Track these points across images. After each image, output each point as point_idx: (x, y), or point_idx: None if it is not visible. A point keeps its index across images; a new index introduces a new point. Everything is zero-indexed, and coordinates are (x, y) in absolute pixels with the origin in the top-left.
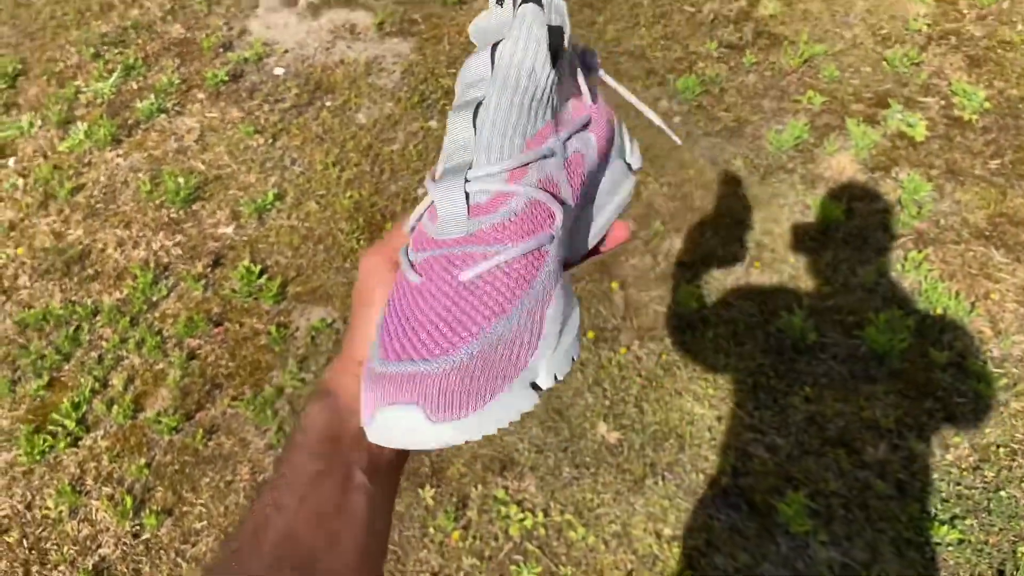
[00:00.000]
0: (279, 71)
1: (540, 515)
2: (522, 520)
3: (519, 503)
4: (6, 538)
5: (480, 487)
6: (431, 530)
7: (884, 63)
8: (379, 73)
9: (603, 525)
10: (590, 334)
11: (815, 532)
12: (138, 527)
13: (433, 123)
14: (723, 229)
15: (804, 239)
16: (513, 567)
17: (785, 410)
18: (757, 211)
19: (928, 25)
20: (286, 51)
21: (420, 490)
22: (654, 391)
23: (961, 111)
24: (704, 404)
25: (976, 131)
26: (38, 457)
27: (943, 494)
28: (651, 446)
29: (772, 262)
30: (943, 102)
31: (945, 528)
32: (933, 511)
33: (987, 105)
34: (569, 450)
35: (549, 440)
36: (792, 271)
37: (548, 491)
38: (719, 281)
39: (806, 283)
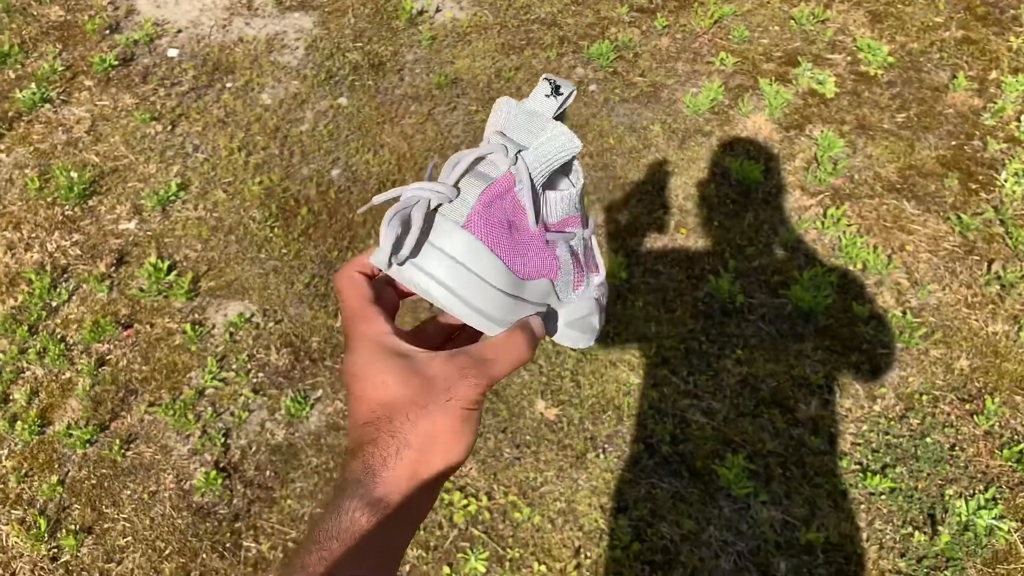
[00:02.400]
0: (173, 52)
1: (484, 499)
2: (466, 506)
3: (461, 489)
4: None
5: None
6: None
7: (792, 22)
8: (281, 50)
9: (548, 503)
10: None
11: (756, 493)
12: (55, 550)
13: (343, 100)
14: (646, 196)
15: (726, 201)
16: (460, 555)
17: (719, 373)
18: (678, 176)
19: None
20: (179, 31)
21: None
22: (589, 364)
23: (867, 66)
24: (639, 373)
25: (882, 86)
26: None
27: (873, 444)
28: (590, 420)
29: (696, 226)
30: (849, 58)
31: (877, 478)
32: (865, 462)
33: (891, 60)
34: (508, 430)
35: (488, 422)
36: (716, 234)
37: (490, 474)
38: (646, 249)
39: (731, 245)
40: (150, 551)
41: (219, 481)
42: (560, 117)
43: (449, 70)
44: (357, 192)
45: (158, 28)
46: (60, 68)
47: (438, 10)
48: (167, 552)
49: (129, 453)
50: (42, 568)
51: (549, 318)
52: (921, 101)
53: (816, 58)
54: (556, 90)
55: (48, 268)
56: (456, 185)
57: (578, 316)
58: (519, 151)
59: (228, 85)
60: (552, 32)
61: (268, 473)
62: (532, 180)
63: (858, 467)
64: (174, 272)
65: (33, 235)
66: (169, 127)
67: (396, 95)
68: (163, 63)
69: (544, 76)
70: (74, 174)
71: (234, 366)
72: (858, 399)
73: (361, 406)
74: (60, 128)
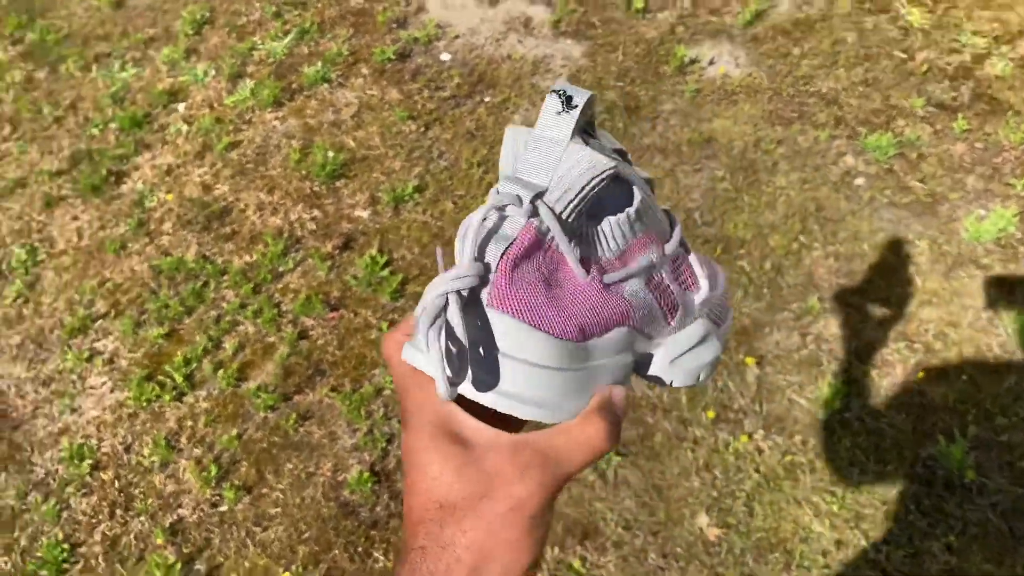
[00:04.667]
0: (446, 57)
1: None
2: None
3: None
4: (102, 475)
5: (557, 549)
6: None
7: None
8: (545, 74)
9: None
10: (710, 412)
11: None
12: (217, 497)
13: None
14: (890, 321)
15: (986, 353)
16: None
17: (920, 555)
18: (934, 308)
19: None
20: (457, 36)
21: None
22: (770, 492)
23: None
24: (825, 522)
25: None
26: (144, 404)
27: None
28: (753, 554)
29: (941, 373)
30: None
31: None
32: None
33: None
34: (660, 535)
35: (641, 518)
36: (963, 390)
37: (629, 574)
38: (873, 381)
39: (977, 408)
40: (292, 528)
41: (369, 484)
42: (588, 131)
43: (705, 128)
44: None
45: (439, 30)
46: (346, 52)
47: (712, 62)
48: (306, 535)
49: (301, 429)
50: (202, 510)
51: (642, 366)
52: None
53: None
54: (568, 102)
55: (285, 235)
56: (481, 259)
57: (685, 348)
58: (536, 195)
59: (486, 100)
60: (829, 110)
61: None
62: (562, 224)
63: None
64: (388, 268)
65: (281, 202)
66: (422, 129)
67: (643, 143)
68: (434, 65)
69: (553, 87)
70: (330, 153)
71: None
72: None
73: (413, 500)
74: (330, 108)
